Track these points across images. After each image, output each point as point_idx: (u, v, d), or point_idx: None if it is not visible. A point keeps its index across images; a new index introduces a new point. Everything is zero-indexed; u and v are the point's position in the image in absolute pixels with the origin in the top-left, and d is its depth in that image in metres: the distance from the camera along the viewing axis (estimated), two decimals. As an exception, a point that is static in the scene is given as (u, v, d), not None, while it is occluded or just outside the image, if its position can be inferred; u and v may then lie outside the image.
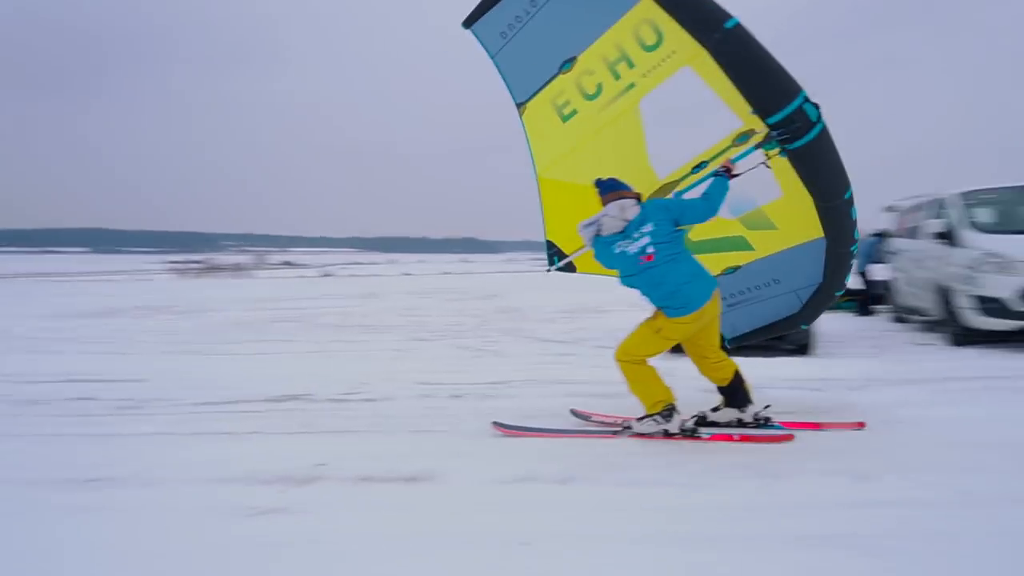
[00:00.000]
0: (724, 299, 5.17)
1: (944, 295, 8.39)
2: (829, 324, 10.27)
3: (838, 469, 3.58)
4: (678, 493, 3.34)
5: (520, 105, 5.07)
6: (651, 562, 2.60)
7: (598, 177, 4.49)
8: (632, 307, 14.88)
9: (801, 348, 7.81)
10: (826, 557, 2.58)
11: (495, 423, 4.57)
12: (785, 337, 7.63)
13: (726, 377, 4.53)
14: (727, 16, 3.98)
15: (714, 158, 4.59)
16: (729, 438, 4.34)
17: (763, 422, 4.52)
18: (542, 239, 5.43)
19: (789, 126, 3.99)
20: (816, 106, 3.98)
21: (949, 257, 8.29)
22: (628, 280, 4.46)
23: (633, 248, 4.25)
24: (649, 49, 4.42)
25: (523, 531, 2.89)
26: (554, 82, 4.84)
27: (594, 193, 4.54)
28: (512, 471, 3.70)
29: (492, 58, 4.96)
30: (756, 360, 7.09)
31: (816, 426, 4.49)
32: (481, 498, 3.37)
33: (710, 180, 4.39)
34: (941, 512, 3.00)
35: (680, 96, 4.71)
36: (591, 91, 4.75)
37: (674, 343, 4.50)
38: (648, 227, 4.22)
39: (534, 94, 4.97)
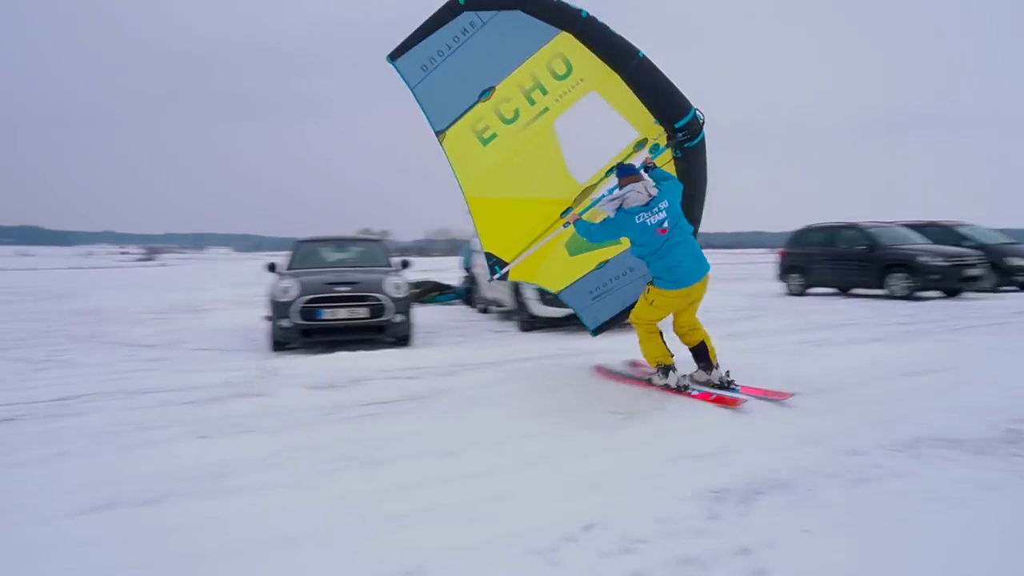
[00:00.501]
0: (590, 292, 6.28)
1: (515, 288, 9.81)
2: (424, 317, 11.18)
3: (430, 449, 3.93)
4: (274, 496, 3.28)
5: (439, 133, 5.39)
6: (255, 572, 2.53)
7: (618, 163, 5.34)
8: (237, 305, 14.18)
9: (402, 340, 8.35)
10: (422, 531, 2.81)
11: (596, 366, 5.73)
12: (386, 330, 8.10)
13: (692, 342, 5.35)
14: (636, 50, 4.98)
15: (620, 162, 5.43)
16: (707, 396, 4.96)
17: (727, 385, 5.20)
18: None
19: (689, 129, 5.16)
20: (703, 114, 5.19)
21: (519, 255, 9.74)
22: (638, 250, 5.17)
23: (653, 220, 4.97)
24: (560, 78, 5.19)
25: (107, 567, 2.54)
26: (473, 110, 5.28)
27: (519, 204, 5.63)
28: (87, 500, 3.22)
29: (412, 90, 5.22)
30: (361, 353, 7.38)
31: (760, 392, 5.08)
32: (46, 539, 2.85)
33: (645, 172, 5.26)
34: (515, 473, 3.52)
35: (588, 116, 5.46)
36: (509, 116, 5.33)
37: (666, 313, 5.23)
38: (664, 204, 5.01)
39: (454, 122, 5.34)
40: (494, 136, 5.40)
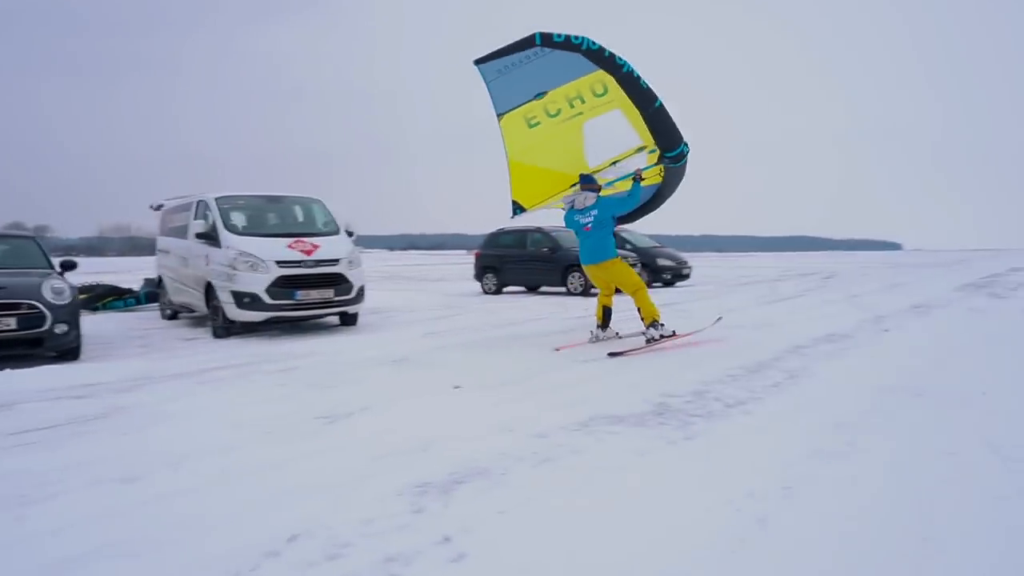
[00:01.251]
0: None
1: (208, 291, 9.06)
2: (98, 327, 9.81)
3: (105, 477, 3.45)
4: None
5: (500, 115, 7.64)
6: None
7: (581, 172, 7.82)
8: None
9: (68, 353, 7.21)
10: (99, 570, 2.46)
11: (610, 353, 6.79)
12: (45, 343, 6.94)
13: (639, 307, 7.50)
14: (656, 98, 6.92)
15: (623, 159, 7.78)
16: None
17: (670, 335, 7.39)
18: None
19: (676, 154, 7.26)
20: (688, 147, 7.28)
21: (211, 256, 9.00)
22: (577, 234, 7.79)
23: (582, 220, 7.54)
24: (597, 96, 7.22)
25: None
26: (527, 104, 7.49)
27: (545, 172, 8.09)
28: None
29: (487, 84, 7.31)
30: (9, 372, 6.23)
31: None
32: None
33: (631, 182, 7.50)
34: (207, 493, 3.24)
35: (609, 124, 7.43)
36: (553, 112, 7.50)
37: (592, 280, 8.03)
38: (595, 212, 7.45)
39: (511, 110, 7.58)
40: (538, 123, 7.62)
